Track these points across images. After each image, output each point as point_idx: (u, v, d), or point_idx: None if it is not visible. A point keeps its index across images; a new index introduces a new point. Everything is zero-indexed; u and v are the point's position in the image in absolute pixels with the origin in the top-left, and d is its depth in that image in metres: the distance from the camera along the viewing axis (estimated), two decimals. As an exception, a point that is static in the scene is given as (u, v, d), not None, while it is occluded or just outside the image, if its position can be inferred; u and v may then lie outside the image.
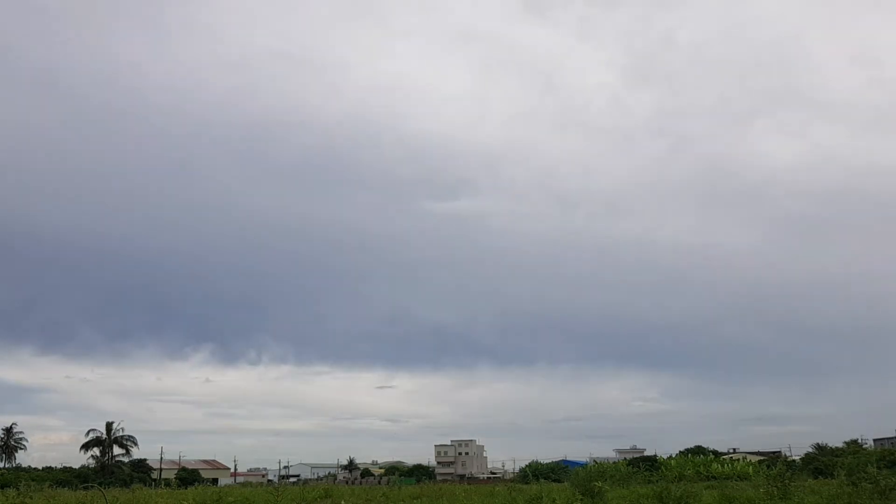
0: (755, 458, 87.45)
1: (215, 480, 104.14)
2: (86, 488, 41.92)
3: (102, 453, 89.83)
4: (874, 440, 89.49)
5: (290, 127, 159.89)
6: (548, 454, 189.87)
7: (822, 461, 65.51)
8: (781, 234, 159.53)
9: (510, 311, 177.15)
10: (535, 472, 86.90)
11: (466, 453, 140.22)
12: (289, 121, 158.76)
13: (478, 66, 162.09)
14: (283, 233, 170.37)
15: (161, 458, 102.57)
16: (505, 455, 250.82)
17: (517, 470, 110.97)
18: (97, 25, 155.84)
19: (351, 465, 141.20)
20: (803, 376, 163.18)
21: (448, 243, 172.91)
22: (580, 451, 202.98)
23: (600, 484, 27.57)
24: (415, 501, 33.59)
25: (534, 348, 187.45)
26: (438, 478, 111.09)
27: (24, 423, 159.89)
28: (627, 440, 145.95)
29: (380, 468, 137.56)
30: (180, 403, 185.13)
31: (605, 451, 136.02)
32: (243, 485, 73.34)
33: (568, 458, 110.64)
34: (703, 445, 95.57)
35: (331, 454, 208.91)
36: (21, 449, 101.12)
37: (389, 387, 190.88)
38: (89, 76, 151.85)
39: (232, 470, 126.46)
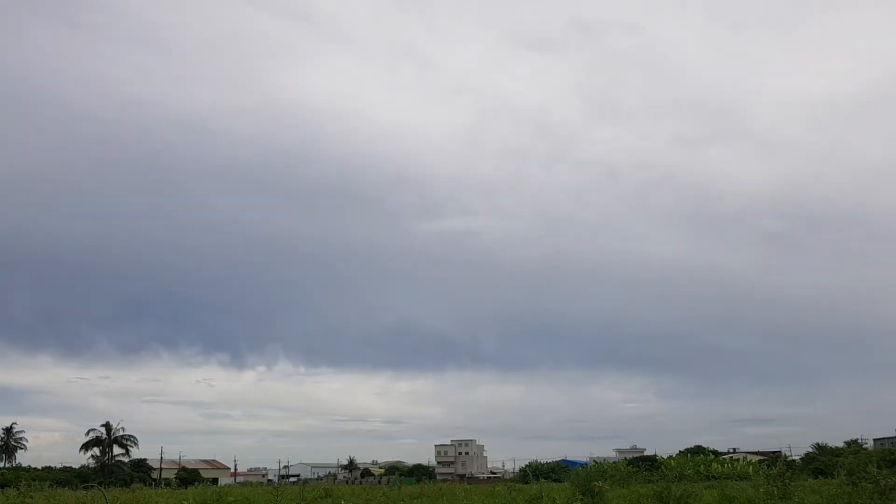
0: (755, 458, 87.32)
1: (215, 480, 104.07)
2: (86, 488, 41.92)
3: (102, 453, 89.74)
4: (874, 440, 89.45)
5: (306, 161, 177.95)
6: (548, 454, 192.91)
7: (822, 461, 65.51)
8: (760, 252, 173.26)
9: (507, 320, 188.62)
10: (536, 472, 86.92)
11: (466, 453, 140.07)
12: (306, 156, 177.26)
13: (472, 111, 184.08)
14: (295, 250, 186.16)
15: (161, 457, 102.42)
16: (505, 455, 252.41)
17: (517, 470, 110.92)
18: (138, 78, 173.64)
19: (351, 465, 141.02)
20: (793, 379, 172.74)
21: (448, 259, 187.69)
22: (580, 451, 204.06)
23: (600, 484, 27.58)
24: (415, 501, 33.58)
25: (532, 354, 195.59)
26: (438, 478, 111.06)
27: (24, 423, 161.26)
28: (627, 440, 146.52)
29: (380, 468, 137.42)
30: (182, 405, 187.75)
31: (605, 451, 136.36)
32: (243, 484, 73.29)
33: (568, 458, 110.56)
34: (703, 445, 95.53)
35: (331, 454, 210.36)
36: (21, 449, 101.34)
37: (391, 390, 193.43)
38: (125, 118, 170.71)
39: (232, 470, 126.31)
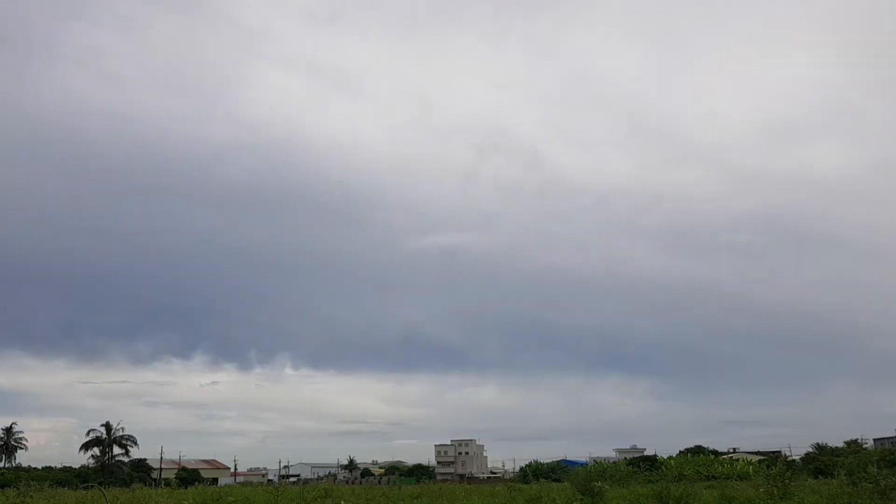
0: (755, 458, 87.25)
1: (215, 480, 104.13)
2: (86, 488, 41.91)
3: (102, 453, 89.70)
4: (874, 440, 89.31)
5: (315, 190, 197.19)
6: (548, 454, 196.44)
7: (822, 461, 65.50)
8: (736, 265, 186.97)
9: (507, 328, 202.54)
10: (535, 472, 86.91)
11: (466, 453, 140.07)
12: (316, 185, 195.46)
13: (470, 148, 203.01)
14: (301, 264, 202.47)
15: (161, 457, 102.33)
16: (505, 455, 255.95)
17: (517, 470, 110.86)
18: (158, 119, 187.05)
19: (351, 465, 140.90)
20: (775, 383, 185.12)
21: (448, 273, 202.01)
22: (580, 451, 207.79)
23: (600, 484, 27.61)
24: (415, 501, 33.60)
25: (531, 359, 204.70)
26: (438, 478, 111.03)
27: (24, 423, 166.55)
28: (627, 440, 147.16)
29: (380, 468, 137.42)
30: (185, 407, 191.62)
31: (605, 450, 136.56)
32: (243, 484, 73.33)
33: (568, 458, 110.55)
34: (703, 445, 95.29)
35: (331, 455, 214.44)
36: (21, 449, 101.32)
37: (392, 393, 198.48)
38: (142, 153, 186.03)
39: (232, 469, 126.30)
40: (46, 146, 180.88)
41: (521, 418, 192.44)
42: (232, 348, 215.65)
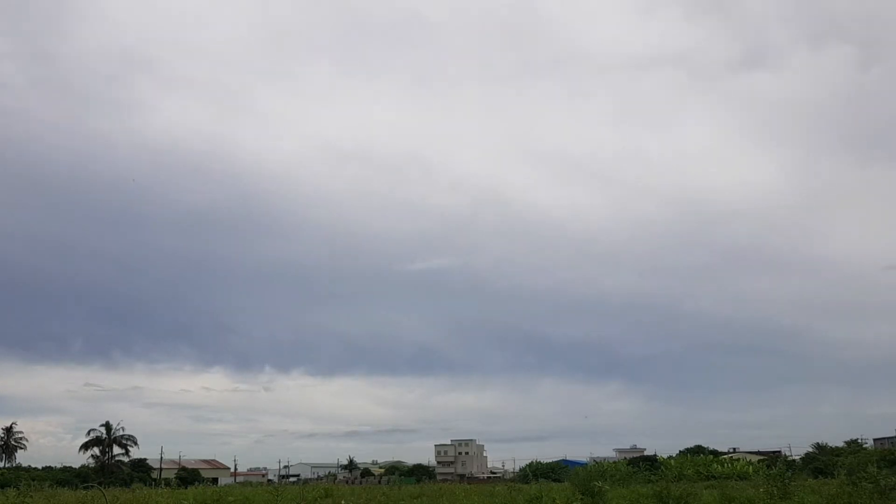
0: (755, 458, 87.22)
1: (215, 480, 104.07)
2: (86, 488, 41.88)
3: (102, 453, 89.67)
4: (874, 440, 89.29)
5: (320, 229, 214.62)
6: (548, 454, 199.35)
7: (822, 461, 65.61)
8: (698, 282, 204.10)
9: (509, 338, 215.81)
10: (535, 472, 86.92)
11: (466, 453, 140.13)
12: (334, 227, 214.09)
13: (466, 201, 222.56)
14: (310, 279, 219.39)
15: (161, 457, 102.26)
16: (505, 455, 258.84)
17: (517, 470, 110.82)
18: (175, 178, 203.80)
19: (351, 465, 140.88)
20: (753, 387, 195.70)
21: (447, 289, 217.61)
22: (580, 451, 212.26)
23: (600, 483, 27.64)
24: (415, 501, 33.65)
25: (532, 364, 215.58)
26: (438, 478, 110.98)
27: (25, 423, 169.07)
28: (627, 440, 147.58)
29: (380, 468, 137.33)
30: (185, 407, 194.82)
31: (605, 450, 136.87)
32: (243, 484, 73.33)
33: (568, 458, 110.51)
34: (703, 445, 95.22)
35: (331, 454, 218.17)
36: (21, 448, 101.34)
37: (393, 395, 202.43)
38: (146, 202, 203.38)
39: (232, 469, 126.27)
40: (86, 197, 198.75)
41: (520, 419, 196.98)
42: (237, 356, 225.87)
